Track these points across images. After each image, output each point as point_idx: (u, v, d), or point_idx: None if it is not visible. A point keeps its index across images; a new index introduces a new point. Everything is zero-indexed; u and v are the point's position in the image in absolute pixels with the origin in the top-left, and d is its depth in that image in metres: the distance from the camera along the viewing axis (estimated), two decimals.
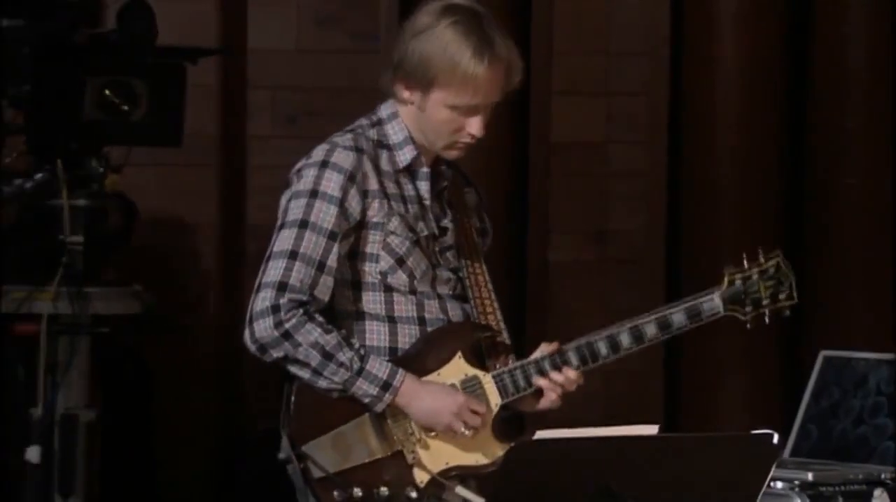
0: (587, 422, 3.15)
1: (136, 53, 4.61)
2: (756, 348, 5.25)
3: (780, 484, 4.22)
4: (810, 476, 4.25)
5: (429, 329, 3.56)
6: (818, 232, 5.36)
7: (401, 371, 3.47)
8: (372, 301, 3.53)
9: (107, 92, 4.57)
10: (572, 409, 3.62)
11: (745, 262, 3.60)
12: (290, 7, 5.18)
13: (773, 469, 3.08)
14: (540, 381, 3.55)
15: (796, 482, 4.24)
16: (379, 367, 3.45)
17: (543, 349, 3.58)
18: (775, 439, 3.06)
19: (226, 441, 5.18)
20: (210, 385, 5.13)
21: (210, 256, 5.17)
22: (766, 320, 3.62)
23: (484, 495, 3.43)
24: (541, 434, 3.16)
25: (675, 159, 5.40)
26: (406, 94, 3.53)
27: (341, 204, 3.45)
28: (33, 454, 4.43)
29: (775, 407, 5.18)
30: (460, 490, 3.41)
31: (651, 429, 3.12)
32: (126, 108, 4.59)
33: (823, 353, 4.54)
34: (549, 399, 3.56)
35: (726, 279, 3.59)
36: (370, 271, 3.51)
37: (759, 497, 3.08)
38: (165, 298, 4.94)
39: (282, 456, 3.51)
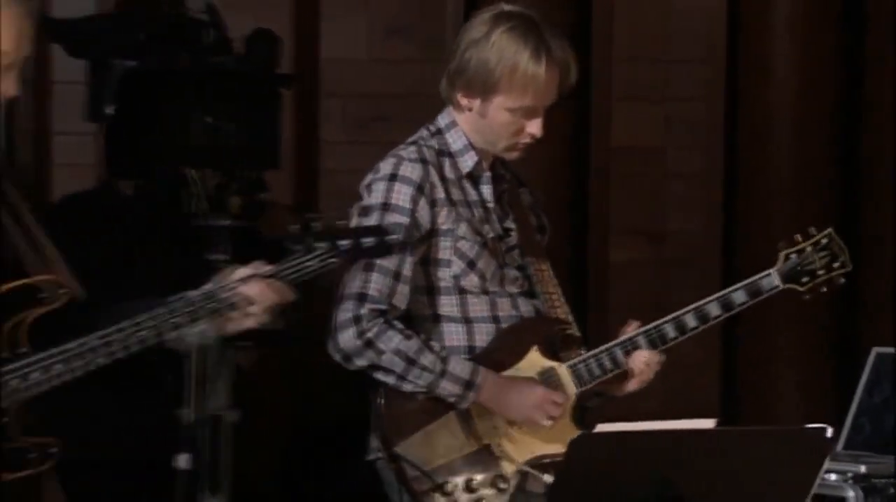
0: (644, 417, 3.14)
1: (259, 83, 4.66)
2: (810, 344, 5.23)
3: (833, 477, 4.20)
4: (863, 468, 4.23)
5: (503, 326, 3.58)
6: (872, 233, 5.32)
7: (482, 369, 3.48)
8: (447, 304, 3.54)
9: (209, 118, 4.61)
10: (630, 403, 3.62)
11: (799, 238, 3.62)
12: (361, 18, 5.21)
13: (826, 462, 3.06)
14: (627, 364, 3.56)
15: (849, 474, 4.22)
16: (461, 367, 3.47)
17: (627, 331, 3.59)
18: (829, 433, 3.05)
19: (303, 440, 5.21)
20: (287, 386, 5.17)
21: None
22: (823, 289, 3.63)
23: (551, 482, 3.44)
24: (601, 427, 3.16)
25: (731, 162, 5.38)
26: (465, 102, 3.55)
27: (412, 214, 3.47)
28: (183, 460, 4.47)
29: (829, 402, 5.15)
30: (549, 478, 3.41)
31: (708, 423, 3.12)
32: (231, 132, 4.63)
33: (876, 350, 4.53)
34: (632, 382, 3.58)
35: (782, 255, 3.61)
36: (443, 276, 3.53)
37: (813, 489, 3.07)
38: None
39: (370, 457, 3.54)
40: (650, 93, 5.36)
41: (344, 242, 3.12)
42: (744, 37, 5.31)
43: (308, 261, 3.11)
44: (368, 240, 3.17)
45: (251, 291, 3.01)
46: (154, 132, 4.56)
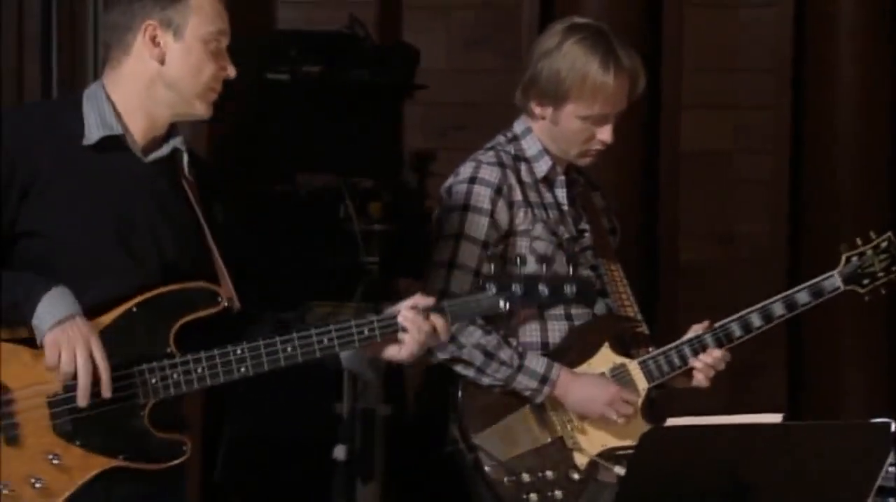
0: (712, 413, 3.14)
1: (389, 95, 4.72)
2: (874, 344, 5.20)
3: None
4: None
5: (576, 323, 3.59)
6: None
7: (557, 365, 3.52)
8: None
9: (351, 127, 4.68)
10: (697, 402, 3.63)
11: (860, 241, 3.62)
12: (441, 31, 5.22)
13: (890, 456, 3.07)
14: (693, 362, 3.57)
15: None
16: (537, 362, 3.50)
17: (694, 329, 3.60)
18: (893, 428, 3.06)
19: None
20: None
21: None
22: (883, 291, 3.63)
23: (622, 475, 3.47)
24: (672, 421, 3.17)
25: (796, 168, 5.36)
26: (539, 110, 3.57)
27: (491, 215, 3.52)
28: (340, 452, 4.53)
29: (893, 400, 5.12)
30: (620, 469, 3.46)
31: (775, 418, 3.14)
32: (370, 140, 4.70)
33: None
34: (699, 378, 3.59)
35: (843, 258, 3.62)
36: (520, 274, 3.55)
37: (877, 482, 3.08)
38: None
39: (449, 448, 3.58)
40: (718, 101, 5.34)
41: (518, 288, 3.12)
42: (809, 47, 5.28)
43: (477, 300, 3.14)
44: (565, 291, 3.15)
45: (406, 321, 3.07)
46: (297, 141, 4.63)
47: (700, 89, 5.32)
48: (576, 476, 3.53)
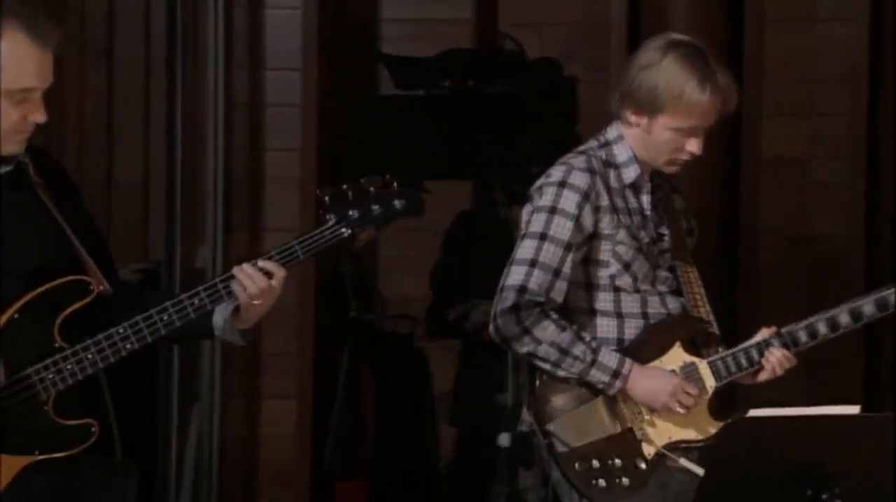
0: (790, 405, 3.17)
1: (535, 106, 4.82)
2: None
3: None
4: None
5: (651, 322, 3.62)
6: None
7: (628, 360, 3.54)
8: (603, 300, 3.60)
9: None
10: (777, 394, 3.66)
11: None
12: (535, 45, 5.23)
13: None
14: (762, 361, 3.60)
15: None
16: (609, 358, 3.53)
17: (763, 333, 3.63)
18: None
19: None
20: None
21: None
22: None
23: (701, 465, 3.48)
24: (753, 412, 3.19)
25: (872, 173, 5.36)
26: (633, 119, 3.59)
27: (577, 219, 3.54)
28: (504, 439, 4.62)
29: None
30: (684, 461, 3.49)
31: (853, 410, 3.12)
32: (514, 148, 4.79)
33: None
34: (764, 377, 3.62)
35: None
36: (601, 275, 3.59)
37: None
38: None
39: (523, 428, 3.64)
40: (797, 109, 5.35)
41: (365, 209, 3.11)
42: (886, 58, 5.29)
43: (321, 234, 3.15)
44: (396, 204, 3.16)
45: (238, 270, 3.08)
46: (460, 150, 4.73)
47: (780, 99, 5.33)
48: (643, 465, 3.54)
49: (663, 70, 3.54)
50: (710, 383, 3.59)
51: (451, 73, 4.81)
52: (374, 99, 5.00)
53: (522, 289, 3.49)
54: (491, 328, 3.53)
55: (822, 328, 3.60)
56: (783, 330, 3.62)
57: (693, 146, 3.56)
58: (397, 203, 3.17)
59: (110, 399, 4.17)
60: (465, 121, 4.81)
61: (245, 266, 3.11)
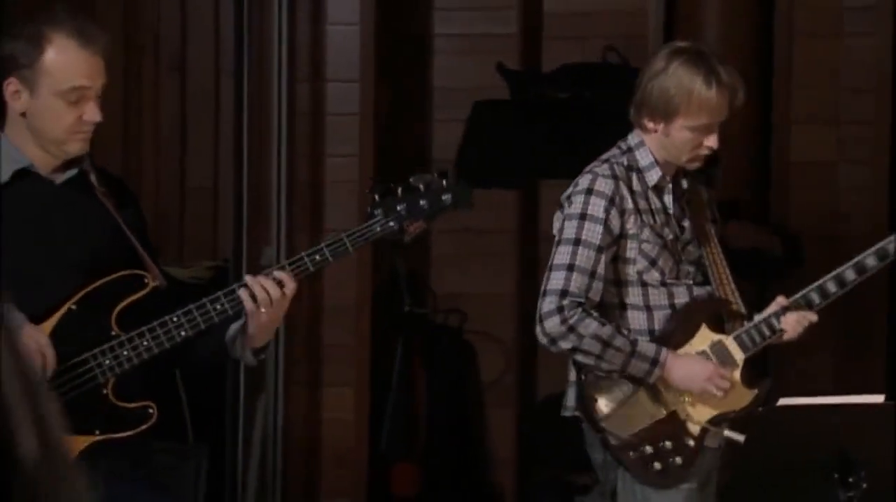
0: (818, 395, 3.18)
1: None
2: None
3: None
4: None
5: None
6: None
7: (664, 348, 3.56)
8: (632, 294, 3.63)
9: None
10: (802, 385, 3.66)
11: None
12: (577, 55, 5.23)
13: None
14: (782, 324, 3.62)
15: None
16: (647, 347, 3.55)
17: (778, 302, 3.65)
18: None
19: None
20: (512, 363, 5.26)
21: (511, 256, 5.26)
22: None
23: (735, 451, 3.45)
24: (783, 401, 3.21)
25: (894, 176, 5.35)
26: (651, 125, 3.62)
27: (605, 223, 3.57)
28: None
29: None
30: (728, 433, 3.48)
31: (878, 399, 3.15)
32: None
33: None
34: (789, 335, 3.65)
35: None
36: (630, 271, 3.62)
37: None
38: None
39: (566, 414, 3.65)
40: (825, 116, 5.35)
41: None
42: None
43: (371, 228, 3.12)
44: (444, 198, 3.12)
45: (248, 278, 3.07)
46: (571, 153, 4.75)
47: (808, 107, 5.33)
48: (691, 442, 3.55)
49: (671, 75, 3.56)
50: (739, 356, 3.61)
51: (564, 84, 4.82)
52: (481, 105, 5.00)
53: (564, 293, 3.52)
54: (538, 329, 3.55)
55: (832, 286, 3.63)
56: (797, 295, 3.65)
57: (710, 141, 3.59)
58: (445, 197, 3.15)
59: (183, 388, 4.23)
60: (576, 127, 4.83)
61: (259, 276, 3.08)
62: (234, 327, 3.15)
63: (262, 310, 3.07)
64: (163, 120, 4.96)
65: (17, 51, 3.06)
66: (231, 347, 3.16)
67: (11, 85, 3.08)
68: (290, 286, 3.08)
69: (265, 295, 3.06)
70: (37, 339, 3.00)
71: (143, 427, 3.09)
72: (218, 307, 3.07)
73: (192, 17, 4.95)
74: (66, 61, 3.05)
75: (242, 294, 3.07)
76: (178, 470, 3.56)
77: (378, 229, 3.14)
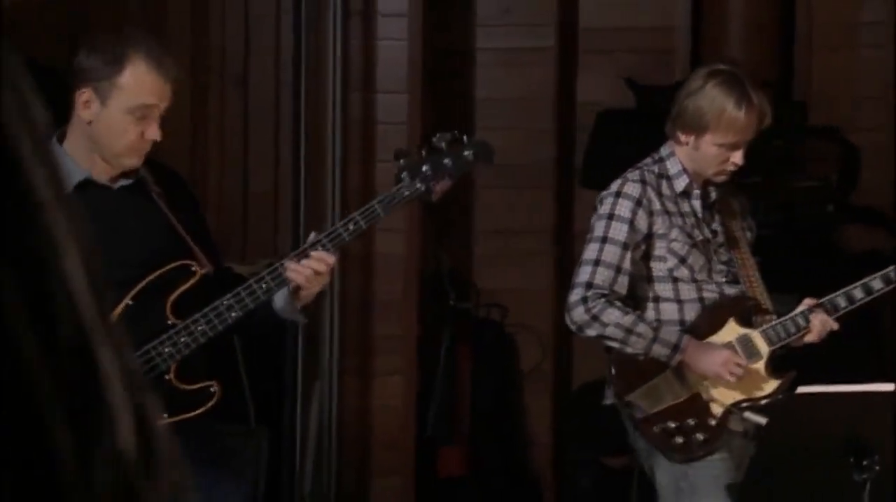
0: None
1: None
2: None
3: None
4: None
5: (707, 304, 3.70)
6: None
7: (686, 336, 3.61)
8: (664, 289, 3.68)
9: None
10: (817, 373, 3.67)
11: None
12: (609, 71, 5.26)
13: None
14: (808, 326, 3.64)
15: None
16: (669, 334, 3.60)
17: (806, 303, 3.67)
18: None
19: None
20: (549, 353, 5.29)
21: (548, 255, 5.27)
22: None
23: (757, 436, 3.50)
24: (801, 389, 3.24)
25: None
26: (683, 138, 3.67)
27: (631, 222, 3.63)
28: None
29: None
30: (748, 414, 3.52)
31: (888, 387, 3.14)
32: None
33: None
34: (812, 338, 3.67)
35: None
36: (661, 268, 3.67)
37: None
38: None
39: (607, 402, 3.70)
40: (842, 123, 5.35)
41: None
42: None
43: (399, 191, 3.07)
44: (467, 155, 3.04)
45: (293, 267, 3.05)
46: None
47: (826, 114, 5.32)
48: (713, 422, 3.57)
49: (706, 94, 3.61)
50: (765, 349, 3.63)
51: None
52: (605, 114, 4.97)
53: (589, 285, 3.58)
54: (566, 318, 3.62)
55: (859, 293, 3.65)
56: (824, 298, 3.66)
57: (736, 158, 3.63)
58: (467, 153, 3.11)
59: (246, 376, 4.29)
60: None
61: (302, 260, 3.06)
62: (281, 296, 3.15)
63: (306, 284, 3.08)
64: (227, 130, 5.01)
65: (96, 63, 3.10)
66: (282, 311, 3.16)
67: (85, 94, 3.13)
68: (329, 260, 3.08)
69: (308, 271, 3.06)
70: None
71: (209, 405, 3.10)
72: (263, 286, 3.08)
73: (254, 35, 4.99)
74: (140, 81, 3.09)
75: (286, 273, 3.07)
76: (242, 452, 3.61)
77: (406, 192, 3.12)
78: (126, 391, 0.58)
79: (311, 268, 3.06)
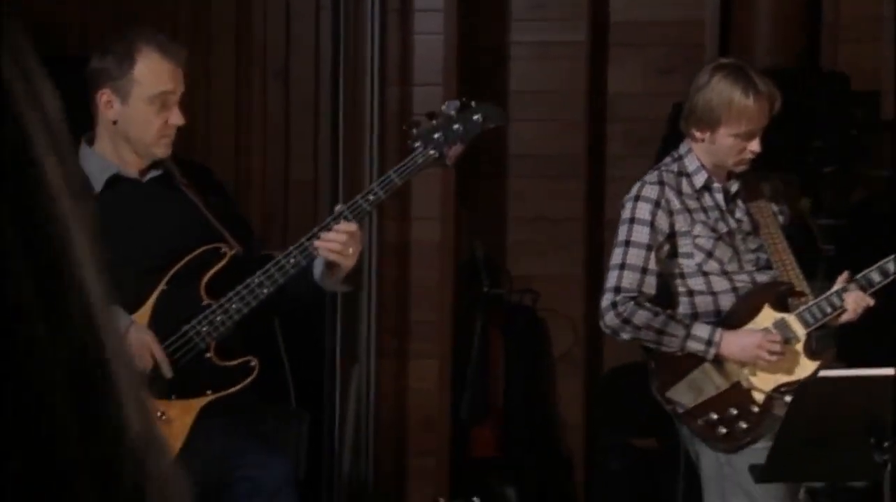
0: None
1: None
2: None
3: None
4: None
5: (741, 294, 3.69)
6: None
7: (718, 329, 3.59)
8: (696, 283, 3.66)
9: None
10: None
11: None
12: (639, 62, 5.28)
13: None
14: (844, 302, 3.62)
15: None
16: (702, 330, 3.59)
17: (841, 280, 3.64)
18: None
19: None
20: (580, 338, 5.29)
21: (579, 242, 5.28)
22: None
23: (783, 417, 3.44)
24: (824, 373, 3.25)
25: None
26: (698, 134, 3.66)
27: (651, 224, 3.63)
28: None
29: None
30: (789, 398, 3.47)
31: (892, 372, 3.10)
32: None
33: None
34: (848, 316, 3.64)
35: None
36: (689, 264, 3.67)
37: None
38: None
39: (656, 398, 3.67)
40: None
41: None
42: None
43: (414, 160, 3.08)
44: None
45: (319, 240, 3.08)
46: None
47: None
48: (755, 409, 3.55)
49: (713, 88, 3.60)
50: (802, 332, 3.60)
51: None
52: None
53: (617, 289, 3.58)
54: (600, 324, 3.63)
55: (892, 266, 3.61)
56: (859, 275, 3.63)
57: (753, 146, 3.62)
58: (476, 117, 3.13)
59: (287, 359, 4.33)
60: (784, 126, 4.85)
61: (326, 234, 3.08)
62: (319, 266, 3.17)
63: (334, 255, 3.09)
64: (269, 122, 5.04)
65: (109, 64, 3.15)
66: (322, 283, 3.18)
67: (105, 95, 3.17)
68: (351, 228, 3.08)
69: (333, 243, 3.08)
70: (142, 339, 3.08)
71: (249, 379, 3.13)
72: (292, 261, 3.10)
73: (294, 31, 5.03)
74: (154, 70, 3.13)
75: (312, 246, 3.09)
76: (283, 431, 3.65)
77: (420, 160, 3.15)
78: (133, 386, 0.59)
79: (334, 240, 3.07)
